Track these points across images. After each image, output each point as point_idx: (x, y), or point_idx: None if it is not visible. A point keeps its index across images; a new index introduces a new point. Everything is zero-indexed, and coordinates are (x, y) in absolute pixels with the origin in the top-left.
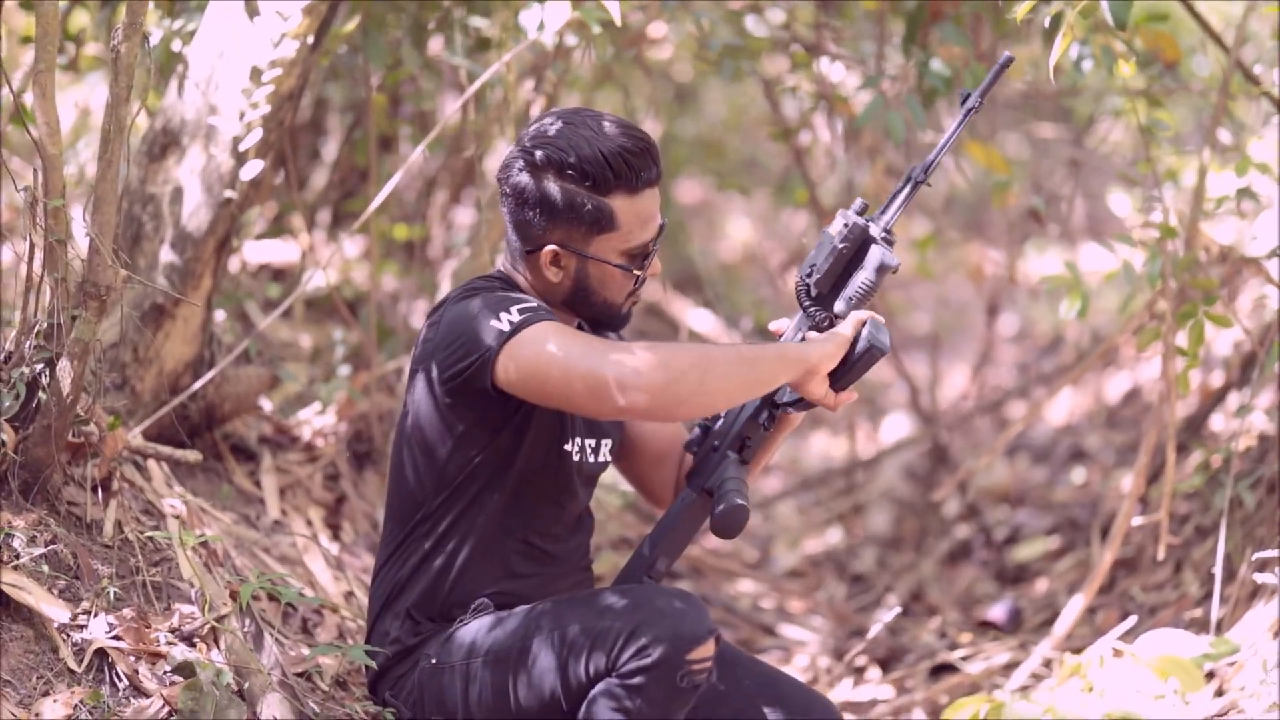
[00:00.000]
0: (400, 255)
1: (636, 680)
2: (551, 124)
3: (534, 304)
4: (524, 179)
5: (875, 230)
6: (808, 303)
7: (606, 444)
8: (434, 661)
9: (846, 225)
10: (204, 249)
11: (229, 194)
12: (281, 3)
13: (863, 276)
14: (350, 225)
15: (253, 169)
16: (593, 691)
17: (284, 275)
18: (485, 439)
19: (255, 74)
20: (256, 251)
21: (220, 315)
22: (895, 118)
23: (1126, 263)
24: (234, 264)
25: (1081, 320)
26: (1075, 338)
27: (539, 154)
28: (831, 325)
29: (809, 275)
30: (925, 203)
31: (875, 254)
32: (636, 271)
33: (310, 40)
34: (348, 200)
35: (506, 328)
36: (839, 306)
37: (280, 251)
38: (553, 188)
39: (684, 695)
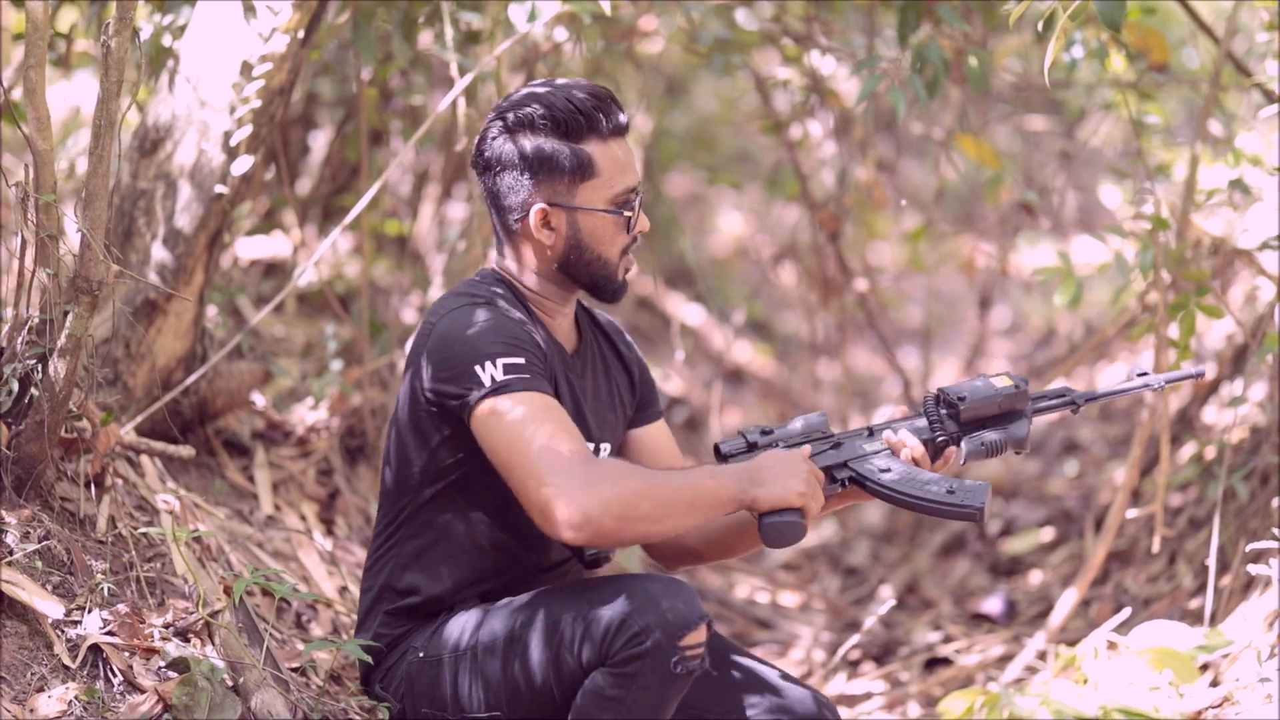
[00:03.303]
0: (392, 250)
1: (630, 669)
2: (516, 93)
3: (520, 360)
4: (500, 144)
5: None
6: (939, 412)
7: (605, 448)
8: (421, 655)
9: (1016, 386)
10: (196, 244)
11: (220, 189)
12: None
13: (997, 436)
14: (342, 220)
15: (244, 164)
16: (586, 683)
17: (276, 270)
18: (471, 442)
19: (246, 69)
20: (248, 247)
21: (212, 310)
22: (897, 92)
23: (1118, 254)
24: (226, 259)
25: (1074, 312)
26: (1067, 330)
27: (510, 117)
28: (947, 445)
29: (959, 396)
30: (917, 195)
31: (1022, 426)
32: (626, 214)
33: (301, 35)
34: (339, 195)
35: (488, 383)
36: (965, 446)
37: (272, 246)
38: (529, 144)
39: (679, 681)
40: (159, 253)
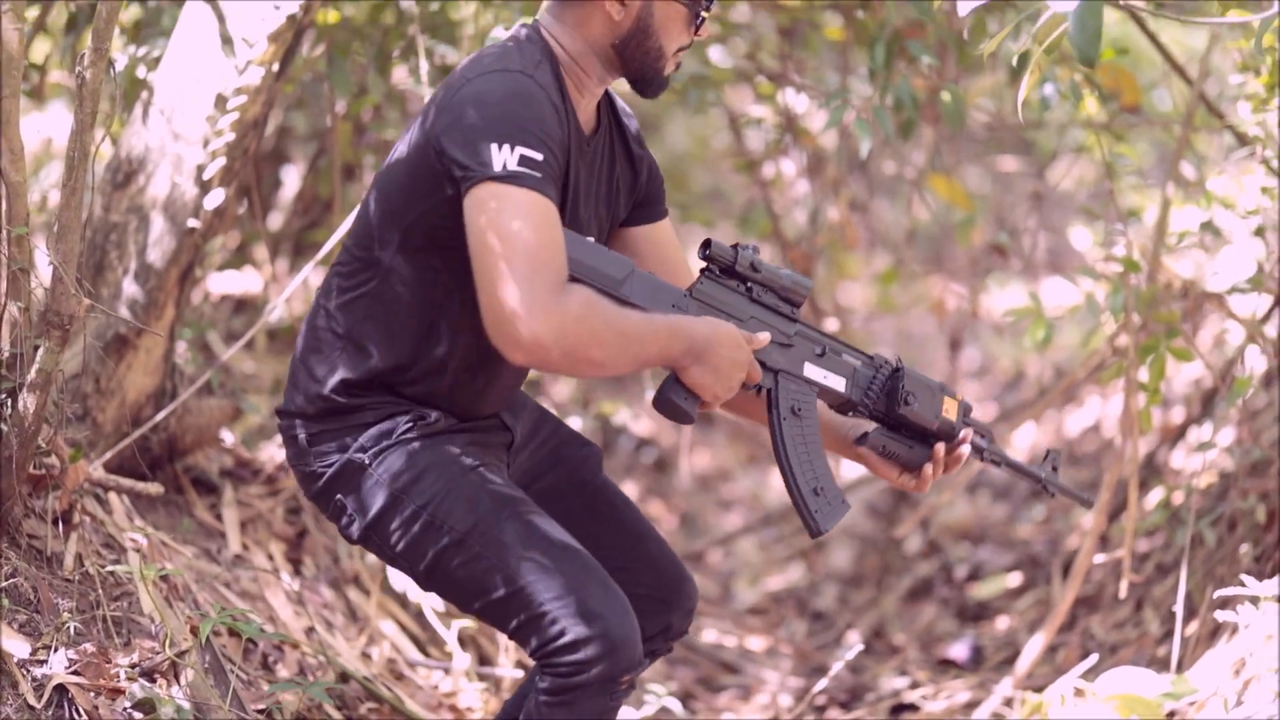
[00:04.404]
0: None
1: (569, 696)
2: None
3: (539, 156)
4: None
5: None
6: (882, 383)
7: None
8: (366, 463)
9: (953, 424)
10: (167, 279)
11: (193, 223)
12: (247, 30)
13: (901, 449)
14: (314, 255)
15: (216, 198)
16: (530, 698)
17: (247, 306)
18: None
19: (220, 101)
20: (220, 282)
21: (182, 346)
22: (864, 125)
23: (1089, 296)
24: (197, 294)
25: (1043, 354)
26: (1037, 373)
27: None
28: (854, 411)
29: (909, 394)
30: (887, 235)
31: (923, 455)
32: (704, 12)
33: (275, 68)
34: (311, 230)
35: (498, 167)
36: (873, 435)
37: (243, 282)
38: None
39: (614, 707)
40: (130, 287)
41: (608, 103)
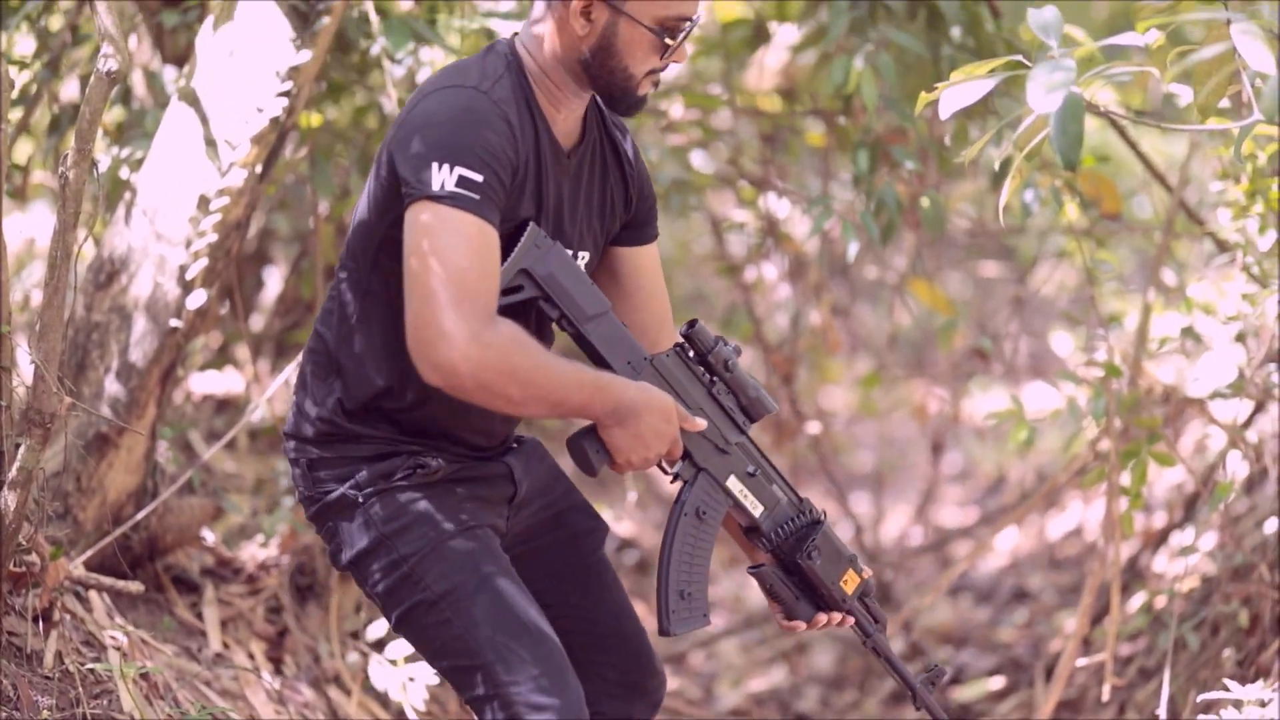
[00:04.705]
0: None
1: None
2: None
3: (479, 178)
4: None
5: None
6: (797, 527)
7: (583, 257)
8: (360, 500)
9: (847, 597)
10: (149, 378)
11: (175, 323)
12: (231, 132)
13: (787, 596)
14: (295, 356)
15: (199, 298)
16: None
17: (228, 406)
18: None
19: (203, 203)
20: (201, 381)
21: (164, 445)
22: (850, 229)
23: (1071, 400)
24: (179, 394)
25: (1025, 458)
26: (1019, 477)
27: None
28: (757, 538)
29: (814, 549)
30: (869, 340)
31: (806, 611)
32: (667, 40)
33: (258, 169)
34: (293, 331)
35: (435, 187)
36: (768, 570)
37: (225, 382)
38: None
39: None
40: (112, 386)
41: (596, 115)
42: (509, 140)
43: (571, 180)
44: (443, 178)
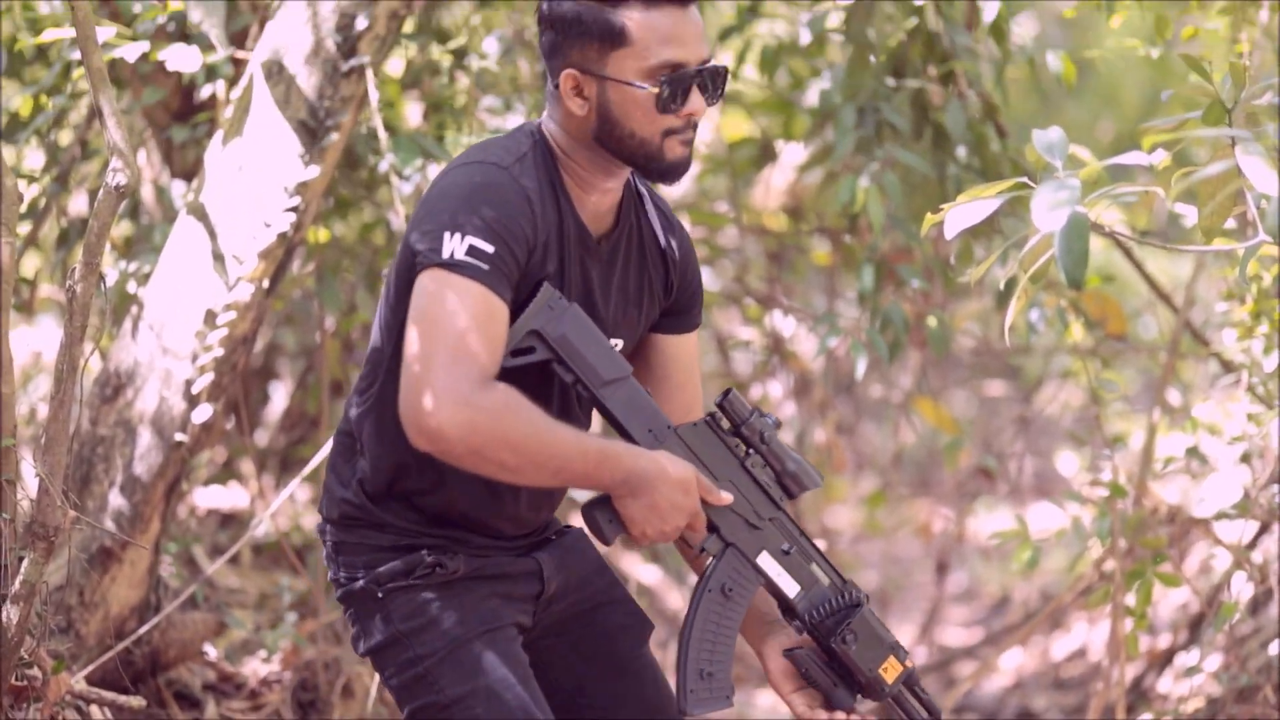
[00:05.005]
0: None
1: None
2: None
3: (490, 249)
4: (548, 3)
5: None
6: (836, 611)
7: (616, 344)
8: (379, 595)
9: (887, 686)
10: (153, 492)
11: (180, 437)
12: (238, 247)
13: (823, 680)
14: (300, 471)
15: (204, 412)
16: None
17: (233, 520)
18: None
19: (210, 317)
20: (206, 496)
21: (167, 560)
22: (858, 346)
23: (1076, 519)
24: (183, 508)
25: (1030, 578)
26: (1023, 597)
27: None
28: (796, 625)
29: (851, 634)
30: (874, 459)
31: (846, 699)
32: (653, 89)
33: (265, 284)
34: (299, 446)
35: (445, 254)
36: (802, 655)
37: (229, 497)
38: (569, 7)
39: None
40: (116, 500)
41: (635, 200)
42: (527, 217)
43: (604, 265)
44: (453, 246)
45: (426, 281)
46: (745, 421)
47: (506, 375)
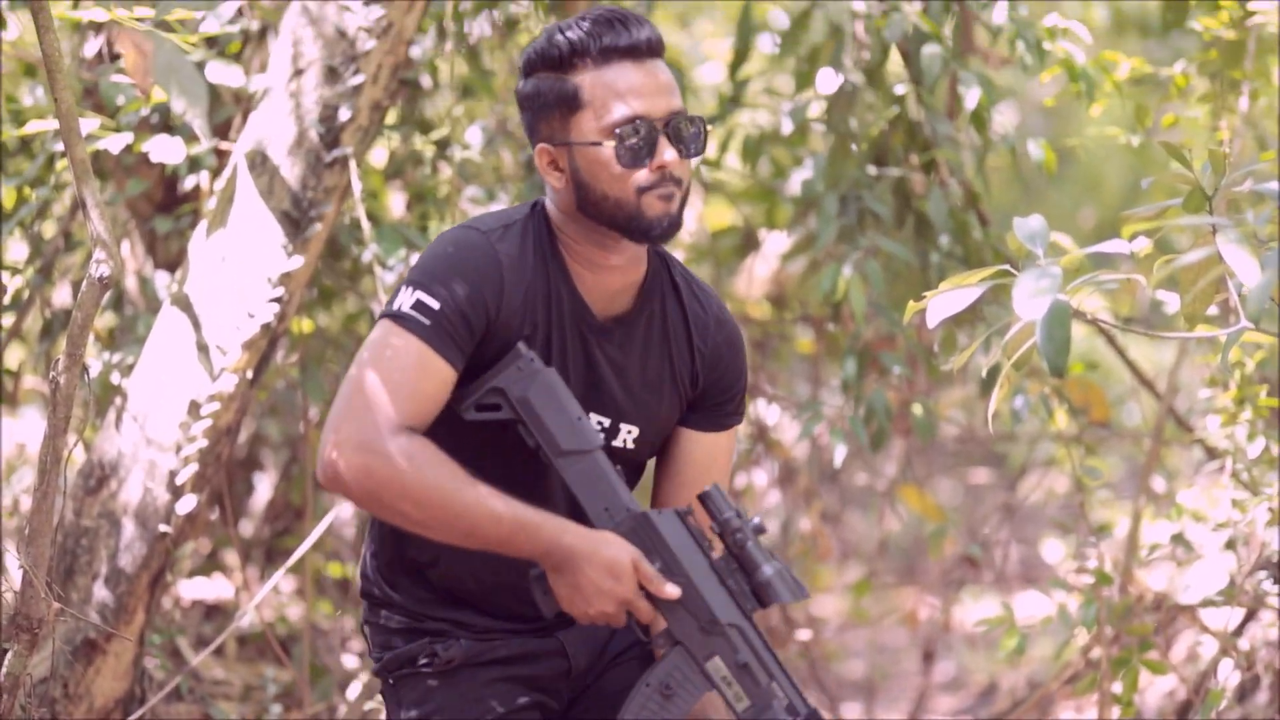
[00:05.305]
0: (334, 593)
1: None
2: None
3: (435, 305)
4: (518, 86)
5: None
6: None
7: (629, 431)
8: (390, 682)
9: None
10: (138, 584)
11: (164, 528)
12: (222, 338)
13: None
14: (285, 562)
15: (188, 504)
16: None
17: (217, 612)
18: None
19: (193, 408)
20: (190, 587)
21: (152, 651)
22: (838, 433)
23: (1062, 607)
24: (167, 600)
25: (1016, 666)
26: (1010, 685)
27: (524, 56)
28: None
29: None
30: (859, 547)
31: None
32: (609, 144)
33: (249, 375)
34: (283, 537)
35: (394, 305)
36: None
37: (214, 588)
38: (530, 84)
39: None
40: (100, 591)
41: (668, 285)
42: (490, 280)
43: (617, 347)
44: (403, 300)
45: (374, 330)
46: (721, 520)
47: (482, 430)
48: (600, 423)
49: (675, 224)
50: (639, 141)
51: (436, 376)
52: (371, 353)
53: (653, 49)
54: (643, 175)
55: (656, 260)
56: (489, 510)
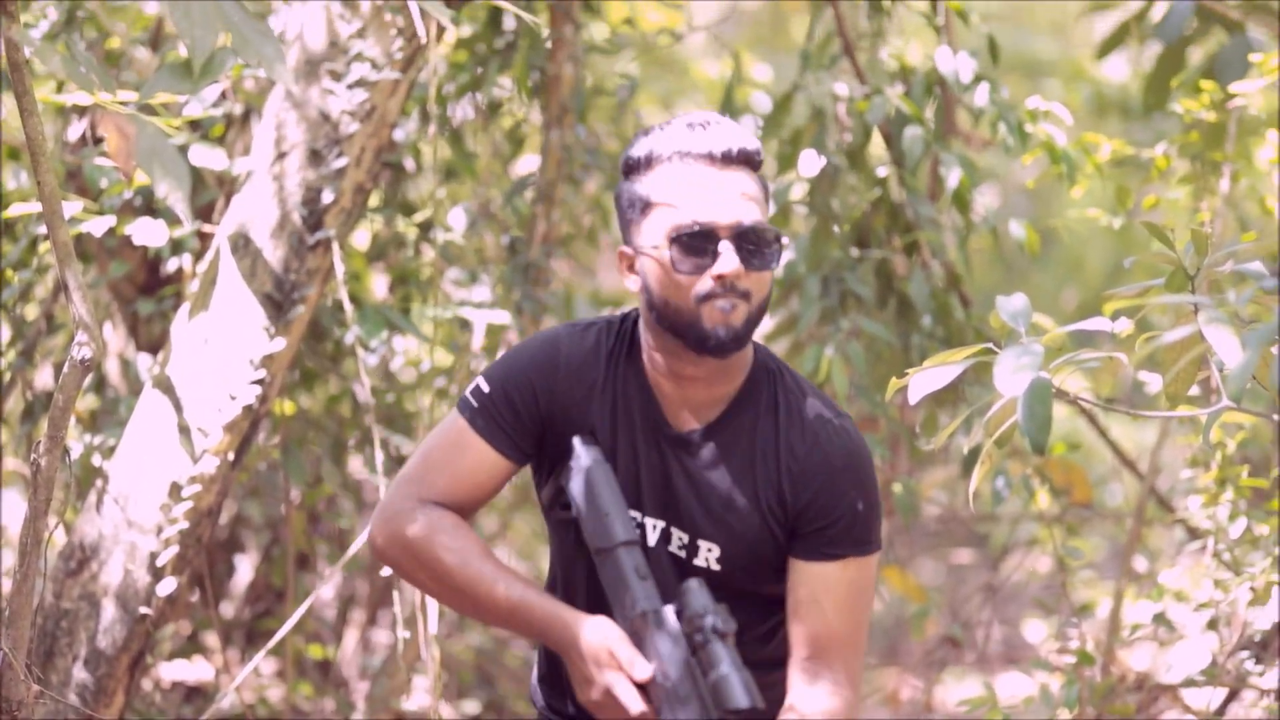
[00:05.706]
0: (315, 675)
1: None
2: None
3: (488, 392)
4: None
5: None
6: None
7: (710, 549)
8: None
9: None
10: (118, 666)
11: (144, 610)
12: (203, 420)
13: None
14: (266, 644)
15: (169, 585)
16: None
17: (198, 694)
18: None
19: (175, 490)
20: (171, 669)
21: None
22: None
23: (1044, 687)
24: (147, 682)
25: None
26: None
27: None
28: None
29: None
30: None
31: None
32: (669, 246)
33: (230, 457)
34: (264, 619)
35: (465, 392)
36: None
37: (194, 670)
38: (619, 186)
39: None
40: (80, 674)
41: (767, 403)
42: (544, 372)
43: (696, 460)
44: (470, 387)
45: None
46: (690, 616)
47: (573, 530)
48: (680, 538)
49: (737, 337)
50: (699, 247)
51: (475, 456)
52: (430, 433)
53: (736, 158)
54: (701, 283)
55: (762, 375)
56: (491, 588)
